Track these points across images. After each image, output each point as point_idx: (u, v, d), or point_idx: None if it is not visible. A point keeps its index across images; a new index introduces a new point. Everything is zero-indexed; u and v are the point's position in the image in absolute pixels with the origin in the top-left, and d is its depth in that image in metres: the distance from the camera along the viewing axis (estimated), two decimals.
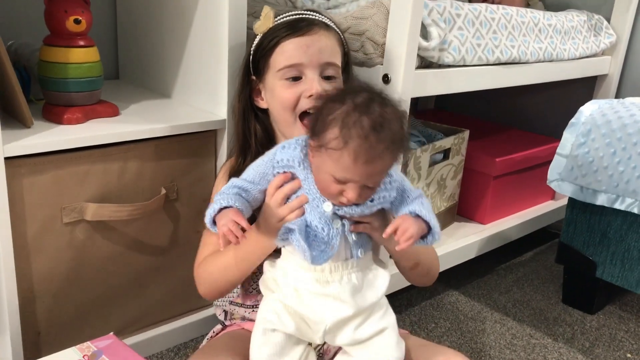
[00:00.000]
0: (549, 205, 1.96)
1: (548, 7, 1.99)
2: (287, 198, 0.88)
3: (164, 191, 1.19)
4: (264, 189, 0.90)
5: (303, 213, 0.88)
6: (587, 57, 1.76)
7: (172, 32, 1.34)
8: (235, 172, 1.01)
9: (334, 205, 0.86)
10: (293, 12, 1.03)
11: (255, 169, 0.91)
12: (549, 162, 1.52)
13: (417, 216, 0.86)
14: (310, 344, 0.93)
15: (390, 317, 0.92)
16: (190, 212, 1.26)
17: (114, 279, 1.19)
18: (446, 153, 1.61)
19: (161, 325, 1.29)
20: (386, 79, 1.19)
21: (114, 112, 1.19)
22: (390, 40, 1.18)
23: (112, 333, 0.97)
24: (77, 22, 1.09)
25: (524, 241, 1.91)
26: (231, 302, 1.08)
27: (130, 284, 1.22)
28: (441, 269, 1.52)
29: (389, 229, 0.84)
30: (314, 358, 0.94)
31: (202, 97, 1.29)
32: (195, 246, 1.27)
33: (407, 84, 1.19)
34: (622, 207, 1.38)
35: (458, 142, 1.63)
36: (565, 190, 1.48)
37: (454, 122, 1.80)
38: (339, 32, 1.04)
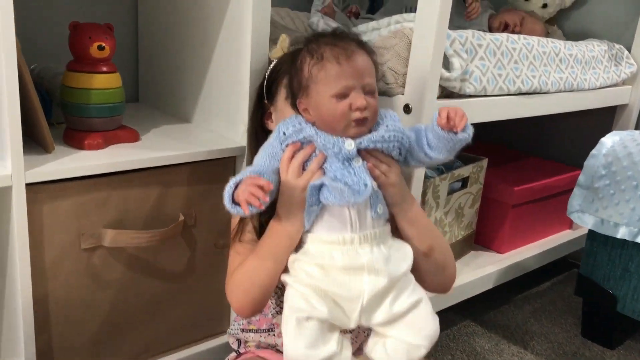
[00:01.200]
0: (567, 234, 1.93)
1: (567, 35, 1.98)
2: (303, 168, 0.89)
3: (182, 217, 1.19)
4: (276, 168, 0.90)
5: (324, 173, 0.88)
6: (608, 86, 1.75)
7: (194, 56, 1.34)
8: None
9: (354, 139, 0.87)
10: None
11: (264, 151, 0.91)
12: (568, 191, 1.50)
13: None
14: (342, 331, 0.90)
15: (421, 290, 0.92)
16: (207, 238, 1.26)
17: (129, 305, 1.18)
18: (464, 181, 1.60)
19: (176, 352, 1.27)
20: (407, 108, 1.19)
21: (134, 137, 1.19)
22: (412, 71, 1.18)
23: None
24: (101, 48, 1.09)
25: (541, 270, 1.88)
26: (243, 330, 1.07)
27: (146, 310, 1.21)
28: (458, 300, 1.52)
29: (442, 114, 0.88)
30: (349, 345, 0.90)
31: (222, 123, 1.29)
32: (211, 272, 1.28)
33: (428, 114, 1.18)
34: None
35: (476, 170, 1.62)
36: (585, 222, 1.46)
37: (470, 148, 1.78)
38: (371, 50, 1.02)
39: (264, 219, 0.97)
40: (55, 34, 1.38)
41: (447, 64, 1.24)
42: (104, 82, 1.12)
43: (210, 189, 1.23)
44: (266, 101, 1.06)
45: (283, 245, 0.91)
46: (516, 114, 1.44)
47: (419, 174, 1.23)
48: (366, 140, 0.88)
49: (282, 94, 1.01)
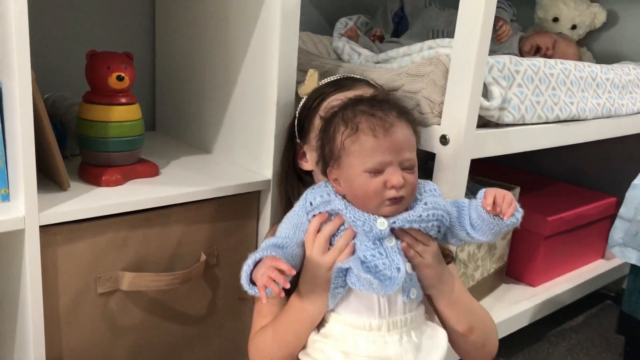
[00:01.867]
0: (601, 265, 1.84)
1: (597, 57, 1.91)
2: (330, 242, 0.82)
3: (204, 257, 1.11)
4: (301, 241, 0.83)
5: (353, 251, 0.81)
6: None
7: (215, 83, 1.28)
8: None
9: (387, 219, 0.79)
10: (337, 75, 1.02)
11: (289, 221, 0.85)
12: (601, 219, 1.42)
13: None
14: None
15: None
16: (229, 278, 1.18)
17: (147, 351, 1.10)
18: None
19: None
20: (444, 139, 1.11)
21: (154, 172, 1.12)
22: (449, 100, 1.11)
23: None
24: (120, 79, 1.03)
25: (574, 302, 1.79)
26: None
27: (164, 356, 1.13)
28: None
29: (488, 200, 0.80)
30: None
31: (246, 155, 1.22)
32: (233, 315, 1.20)
33: (467, 145, 1.11)
34: None
35: None
36: (628, 257, 1.38)
37: (496, 175, 1.70)
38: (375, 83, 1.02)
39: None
40: (70, 62, 1.32)
41: (485, 92, 1.17)
42: (123, 115, 1.05)
43: (232, 226, 1.16)
44: (298, 140, 1.00)
45: (303, 323, 0.85)
46: (554, 143, 1.36)
47: None
48: (401, 220, 0.81)
49: (315, 133, 0.94)
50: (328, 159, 0.84)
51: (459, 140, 1.10)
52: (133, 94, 1.08)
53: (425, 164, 1.31)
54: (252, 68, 1.17)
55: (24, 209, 0.88)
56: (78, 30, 1.36)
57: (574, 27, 1.85)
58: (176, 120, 1.43)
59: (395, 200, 0.80)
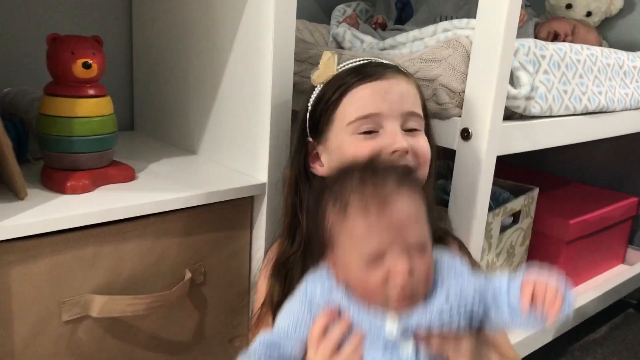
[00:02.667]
0: (623, 271, 1.70)
1: (612, 46, 1.77)
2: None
3: (189, 274, 0.95)
4: (303, 338, 0.67)
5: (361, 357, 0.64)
6: None
7: (200, 75, 1.12)
8: (283, 260, 0.84)
9: (398, 318, 0.62)
10: (357, 59, 0.84)
11: (288, 315, 0.69)
12: (622, 221, 1.28)
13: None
14: None
15: None
16: (219, 298, 1.02)
17: None
18: (516, 216, 1.37)
19: None
20: (466, 134, 0.96)
21: (129, 176, 0.96)
22: (471, 88, 0.96)
23: None
24: (86, 66, 0.87)
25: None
26: None
27: None
28: None
29: (525, 298, 0.60)
30: None
31: (236, 156, 1.06)
32: (224, 340, 1.05)
33: (492, 140, 0.96)
34: None
35: (528, 202, 1.39)
36: None
37: (511, 176, 1.55)
38: (415, 80, 0.85)
39: None
40: (32, 52, 1.15)
41: (510, 79, 1.02)
42: (91, 109, 0.89)
43: (222, 237, 1.00)
44: (310, 139, 0.84)
45: None
46: (584, 137, 1.22)
47: (480, 216, 1.00)
48: (416, 318, 0.62)
49: (338, 126, 0.80)
50: (320, 245, 0.68)
51: (483, 134, 0.95)
52: (103, 85, 0.92)
53: (446, 166, 1.15)
54: (243, 58, 1.02)
55: None
56: (43, 15, 1.19)
57: (588, 14, 1.71)
58: (157, 118, 1.27)
59: (403, 296, 0.62)
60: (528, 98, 1.05)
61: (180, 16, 1.15)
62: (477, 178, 0.97)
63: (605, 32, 1.82)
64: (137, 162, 1.03)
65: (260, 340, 0.69)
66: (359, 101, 0.79)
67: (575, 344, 1.57)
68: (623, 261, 1.77)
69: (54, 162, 0.90)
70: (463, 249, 0.90)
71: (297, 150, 0.86)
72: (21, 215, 0.79)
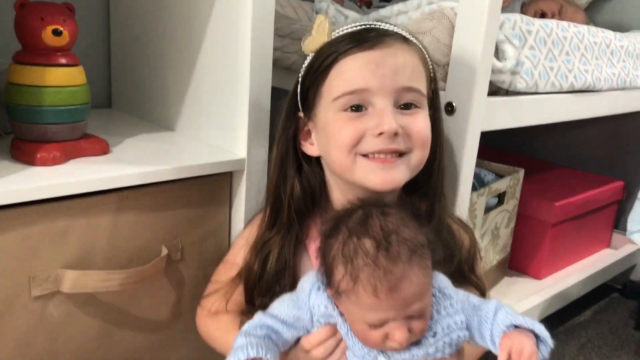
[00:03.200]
0: (608, 255, 1.70)
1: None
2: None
3: (165, 251, 0.92)
4: (298, 333, 0.71)
5: None
6: None
7: (177, 50, 1.09)
8: (262, 243, 0.83)
9: (390, 355, 0.67)
10: (357, 23, 0.76)
11: (289, 307, 0.71)
12: (607, 205, 1.27)
13: (516, 327, 0.67)
14: None
15: None
16: (197, 276, 0.99)
17: None
18: (501, 197, 1.36)
19: None
20: (450, 108, 0.94)
21: (102, 149, 0.93)
22: (455, 60, 0.94)
23: None
24: (56, 33, 0.83)
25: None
26: None
27: None
28: None
29: (503, 353, 0.63)
30: None
31: (215, 131, 1.03)
32: None
33: (477, 115, 0.94)
34: None
35: (513, 183, 1.38)
36: None
37: (497, 159, 1.54)
38: (423, 48, 0.78)
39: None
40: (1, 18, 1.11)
41: (495, 52, 1.00)
42: (62, 78, 0.86)
43: (200, 214, 0.98)
44: (301, 114, 0.79)
45: None
46: (569, 116, 1.21)
47: (464, 193, 0.98)
48: (406, 356, 0.68)
49: (325, 99, 0.74)
50: (324, 279, 0.68)
51: (467, 109, 0.93)
52: (75, 55, 0.88)
53: None
54: (220, 32, 0.99)
55: None
56: None
57: None
58: (134, 95, 1.24)
59: (400, 349, 0.67)
60: (513, 73, 1.03)
61: None
62: (461, 154, 0.96)
63: (592, 14, 1.81)
64: (112, 137, 1.00)
65: (262, 322, 0.70)
66: (346, 74, 0.72)
67: (560, 327, 1.57)
68: (608, 245, 1.76)
69: (23, 134, 0.87)
70: (468, 230, 0.89)
71: (284, 127, 0.80)
72: None
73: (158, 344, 0.98)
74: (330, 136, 0.74)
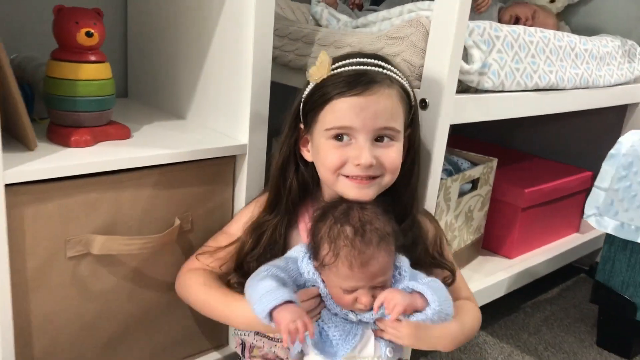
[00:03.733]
0: (576, 238, 1.86)
1: (574, 31, 1.90)
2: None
3: (178, 222, 1.08)
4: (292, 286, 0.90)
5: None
6: (621, 84, 1.67)
7: (189, 48, 1.24)
8: (260, 223, 1.00)
9: (356, 314, 0.87)
10: (354, 60, 0.92)
11: (283, 261, 0.92)
12: (576, 193, 1.43)
13: (413, 291, 0.87)
14: None
15: None
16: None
17: (121, 318, 1.07)
18: (474, 183, 1.51)
19: None
20: (424, 103, 1.10)
21: (125, 134, 1.08)
22: (429, 63, 1.09)
23: None
24: (89, 35, 0.98)
25: (549, 275, 1.80)
26: (257, 333, 0.99)
27: (139, 323, 1.10)
28: None
29: (376, 303, 0.84)
30: None
31: (221, 119, 1.19)
32: None
33: (447, 110, 1.10)
34: None
35: (486, 171, 1.54)
36: (604, 226, 1.39)
37: (475, 149, 1.69)
38: (405, 83, 0.94)
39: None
40: (38, 20, 1.26)
41: (465, 56, 1.15)
42: (93, 73, 1.01)
43: (208, 191, 1.13)
44: (302, 126, 0.96)
45: (242, 323, 0.95)
46: (534, 111, 1.36)
47: (434, 178, 1.14)
48: (367, 318, 0.88)
49: (319, 126, 0.91)
50: (312, 254, 0.90)
51: (438, 104, 1.09)
52: (103, 52, 1.04)
53: None
54: (227, 29, 1.14)
55: None
56: None
57: (552, 0, 1.85)
58: (149, 87, 1.39)
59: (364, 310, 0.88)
60: (481, 73, 1.18)
61: None
62: (432, 143, 1.11)
63: (568, 17, 1.96)
64: (131, 124, 1.14)
65: (261, 269, 0.88)
66: (337, 112, 0.88)
67: (528, 302, 1.73)
68: (578, 230, 1.92)
69: (59, 120, 1.02)
70: (433, 221, 1.07)
71: (288, 135, 0.97)
72: (32, 163, 0.91)
73: (169, 302, 1.13)
74: (320, 156, 0.92)
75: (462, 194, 1.46)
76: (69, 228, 0.96)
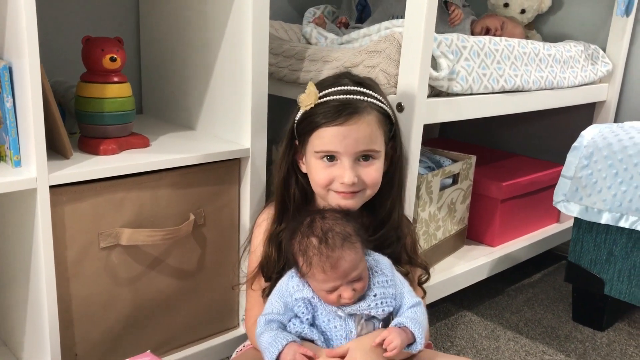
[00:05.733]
0: (554, 227, 2.02)
1: (546, 38, 2.09)
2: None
3: (192, 217, 1.26)
4: (291, 314, 1.02)
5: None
6: (586, 84, 1.85)
7: (196, 67, 1.42)
8: (275, 234, 1.12)
9: (344, 308, 0.99)
10: (339, 89, 1.05)
11: (277, 301, 1.03)
12: (553, 185, 1.59)
13: (405, 327, 0.98)
14: None
15: None
16: (216, 237, 1.33)
17: (145, 302, 1.24)
18: (455, 178, 1.68)
19: (190, 347, 1.34)
20: (400, 107, 1.27)
21: (145, 143, 1.26)
22: (402, 71, 1.27)
23: (148, 351, 1.02)
24: (112, 60, 1.17)
25: (532, 263, 1.97)
26: None
27: (161, 306, 1.27)
28: (453, 290, 1.61)
29: (377, 340, 0.95)
30: None
31: (226, 128, 1.36)
32: (220, 270, 1.35)
33: (419, 112, 1.27)
34: (626, 225, 1.44)
35: (466, 167, 1.71)
36: (571, 210, 1.55)
37: (459, 149, 1.87)
38: (385, 106, 1.07)
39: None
40: (61, 50, 1.45)
41: (435, 64, 1.33)
42: (116, 92, 1.19)
43: (217, 190, 1.31)
44: (297, 142, 1.10)
45: None
46: (501, 111, 1.53)
47: (413, 172, 1.31)
48: (355, 308, 0.99)
49: (309, 147, 1.06)
50: (295, 268, 1.01)
51: (413, 107, 1.26)
52: (124, 74, 1.22)
53: None
54: (228, 53, 1.32)
55: (36, 171, 1.02)
56: (69, 22, 1.49)
57: (523, 11, 2.03)
58: (161, 103, 1.57)
59: (349, 304, 0.99)
60: (450, 79, 1.36)
61: (179, 19, 1.45)
62: (409, 141, 1.28)
63: (539, 26, 2.14)
64: (149, 135, 1.32)
65: (267, 320, 1.00)
66: (324, 138, 1.02)
67: (511, 286, 1.89)
68: (558, 221, 2.08)
69: (89, 132, 1.20)
70: (409, 225, 1.20)
71: (286, 151, 1.10)
72: (69, 168, 1.09)
73: (188, 288, 1.31)
74: (312, 174, 1.07)
75: (443, 187, 1.63)
76: (100, 223, 1.14)
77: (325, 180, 1.05)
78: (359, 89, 1.06)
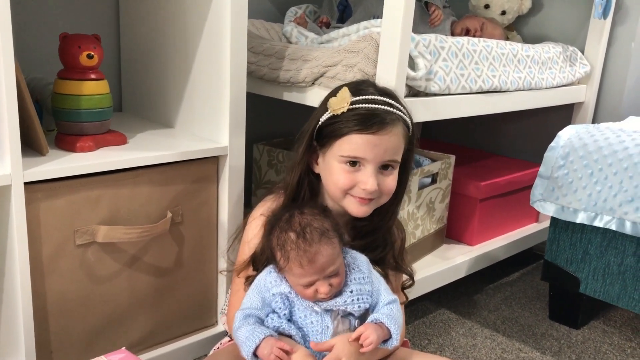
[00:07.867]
0: (533, 227, 2.04)
1: (526, 39, 2.11)
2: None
3: (170, 214, 1.26)
4: (269, 309, 1.02)
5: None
6: (564, 85, 1.87)
7: (175, 65, 1.42)
8: None
9: (320, 304, 0.99)
10: (368, 98, 1.05)
11: (256, 294, 1.03)
12: (532, 185, 1.61)
13: (381, 323, 0.99)
14: None
15: None
16: (194, 235, 1.33)
17: (122, 299, 1.24)
18: (434, 177, 1.70)
19: (167, 345, 1.34)
20: None
21: (122, 140, 1.26)
22: (380, 71, 1.28)
23: (124, 348, 1.02)
24: (89, 57, 1.17)
25: (511, 263, 1.99)
26: None
27: (138, 303, 1.27)
28: (432, 288, 1.62)
29: (353, 335, 0.96)
30: None
31: (205, 126, 1.37)
32: (198, 267, 1.35)
33: None
34: (601, 225, 1.46)
35: (445, 167, 1.72)
36: (547, 210, 1.57)
37: (439, 149, 1.89)
38: (407, 118, 1.09)
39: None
40: (41, 46, 1.45)
41: (412, 64, 1.34)
42: (93, 89, 1.19)
43: (195, 188, 1.31)
44: (315, 144, 1.09)
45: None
46: (479, 111, 1.55)
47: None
48: (330, 306, 1.00)
49: (334, 151, 1.05)
50: (274, 263, 1.02)
51: None
52: (101, 71, 1.22)
53: None
54: (207, 49, 1.32)
55: (10, 168, 1.02)
56: (48, 18, 1.49)
57: (503, 12, 2.05)
58: (141, 101, 1.57)
59: (326, 299, 0.99)
60: (427, 79, 1.37)
61: (158, 18, 1.45)
62: None
63: (520, 27, 2.16)
64: (127, 133, 1.33)
65: (245, 314, 1.01)
66: (354, 144, 1.03)
67: (490, 284, 1.91)
68: (536, 220, 2.11)
69: (65, 129, 1.20)
70: (402, 232, 1.21)
71: (304, 152, 1.09)
72: (45, 165, 1.09)
73: (166, 286, 1.31)
74: (331, 175, 1.07)
75: (422, 187, 1.65)
76: (76, 220, 1.14)
77: (347, 184, 1.05)
78: (388, 100, 1.06)
